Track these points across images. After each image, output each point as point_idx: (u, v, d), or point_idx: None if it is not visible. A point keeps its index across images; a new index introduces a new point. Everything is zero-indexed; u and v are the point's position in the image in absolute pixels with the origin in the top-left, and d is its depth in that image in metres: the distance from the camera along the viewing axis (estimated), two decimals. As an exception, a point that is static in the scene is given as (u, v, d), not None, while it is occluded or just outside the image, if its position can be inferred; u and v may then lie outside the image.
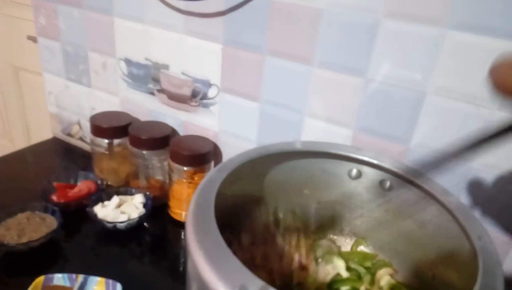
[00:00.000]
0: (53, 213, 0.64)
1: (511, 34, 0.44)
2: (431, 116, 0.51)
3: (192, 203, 0.33)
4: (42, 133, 0.98)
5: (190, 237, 0.30)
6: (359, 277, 0.46)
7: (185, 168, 0.66)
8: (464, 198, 0.52)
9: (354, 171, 0.46)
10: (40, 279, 0.54)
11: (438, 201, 0.38)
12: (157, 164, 0.71)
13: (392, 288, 0.44)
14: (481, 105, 0.48)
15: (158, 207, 0.71)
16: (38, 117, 1.18)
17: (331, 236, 0.51)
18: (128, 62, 0.76)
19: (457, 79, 0.48)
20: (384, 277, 0.45)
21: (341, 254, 0.49)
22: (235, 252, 0.42)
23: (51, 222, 0.63)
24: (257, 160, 0.42)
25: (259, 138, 0.67)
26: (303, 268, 0.46)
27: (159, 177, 0.73)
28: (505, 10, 0.43)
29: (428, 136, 0.52)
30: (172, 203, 0.71)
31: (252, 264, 0.43)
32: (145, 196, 0.70)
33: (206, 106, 0.70)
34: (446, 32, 0.47)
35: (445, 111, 0.50)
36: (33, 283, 0.53)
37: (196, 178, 0.67)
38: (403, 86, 0.52)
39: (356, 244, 0.50)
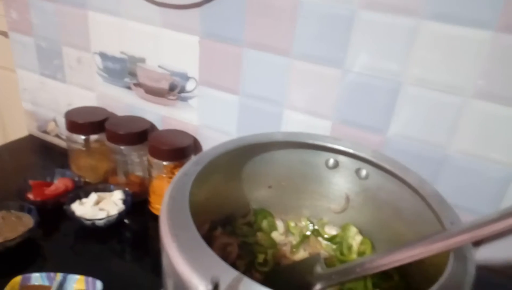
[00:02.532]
0: (29, 211, 0.63)
1: (485, 23, 0.44)
2: (407, 106, 0.52)
3: (166, 196, 0.33)
4: (18, 130, 0.96)
5: (164, 230, 0.29)
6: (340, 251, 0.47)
7: (164, 163, 0.65)
8: (439, 185, 0.52)
9: (331, 161, 0.47)
10: (17, 279, 0.53)
11: (413, 189, 0.38)
12: (136, 159, 0.70)
13: (361, 243, 0.46)
14: (455, 94, 0.49)
15: (138, 203, 0.70)
16: (13, 115, 1.15)
17: (308, 223, 0.52)
18: (103, 56, 0.74)
19: (432, 69, 0.49)
20: (356, 237, 0.46)
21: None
22: (211, 245, 0.43)
23: (27, 221, 0.62)
24: (234, 152, 0.42)
25: (239, 131, 0.67)
26: (281, 255, 0.47)
27: (138, 172, 0.72)
28: (479, 0, 0.44)
29: (405, 126, 0.53)
30: (153, 198, 0.70)
31: (230, 256, 0.43)
32: (124, 192, 0.69)
33: (184, 99, 0.70)
34: (421, 23, 0.48)
35: (420, 101, 0.51)
36: (10, 283, 0.52)
37: (176, 173, 0.66)
38: (380, 77, 0.52)
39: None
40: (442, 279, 0.28)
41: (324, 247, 0.49)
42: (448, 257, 0.30)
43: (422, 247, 0.29)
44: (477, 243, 0.53)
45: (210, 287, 0.24)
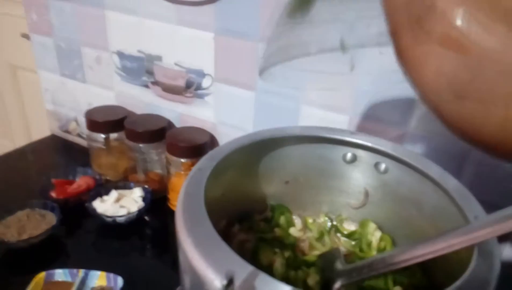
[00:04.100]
0: (52, 209, 0.64)
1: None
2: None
3: (181, 192, 0.33)
4: (42, 131, 0.98)
5: (180, 225, 0.29)
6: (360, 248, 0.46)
7: (182, 160, 0.66)
8: (462, 179, 0.51)
9: (349, 155, 0.46)
10: (41, 275, 0.54)
11: (435, 182, 0.37)
12: (154, 157, 0.71)
13: (381, 239, 0.45)
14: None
15: (157, 200, 0.71)
16: (37, 115, 1.18)
17: (327, 219, 0.51)
18: (121, 55, 0.75)
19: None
20: (375, 233, 0.45)
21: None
22: (230, 241, 0.42)
23: (50, 219, 0.63)
24: (249, 147, 0.42)
25: (255, 127, 0.67)
26: (299, 251, 0.46)
27: (157, 170, 0.73)
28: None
29: (425, 119, 0.51)
30: (171, 195, 0.70)
31: (245, 251, 0.43)
32: (144, 189, 0.70)
33: (201, 96, 0.70)
34: None
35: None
36: (34, 279, 0.53)
37: (193, 170, 0.66)
38: (399, 70, 0.51)
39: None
40: (465, 275, 0.26)
41: (343, 244, 0.48)
42: (472, 252, 0.29)
43: (444, 242, 0.28)
44: (505, 237, 0.51)
45: (225, 282, 0.24)
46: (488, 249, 0.29)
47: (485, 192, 0.50)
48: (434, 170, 0.38)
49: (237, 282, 0.24)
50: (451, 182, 0.36)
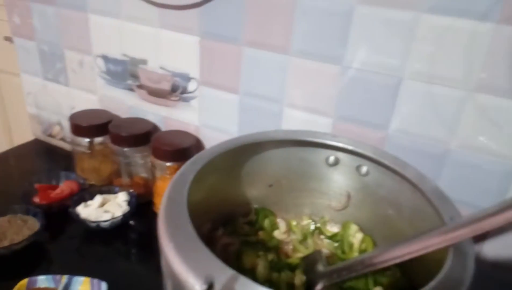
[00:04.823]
0: (35, 215, 0.64)
1: (486, 15, 0.44)
2: (408, 101, 0.51)
3: (164, 197, 0.33)
4: (25, 135, 0.97)
5: (162, 230, 0.30)
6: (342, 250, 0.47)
7: (167, 164, 0.66)
8: (442, 181, 0.52)
9: (332, 158, 0.46)
10: (24, 282, 0.53)
11: (412, 184, 0.38)
12: (139, 161, 0.71)
13: (362, 241, 0.46)
14: (456, 88, 0.48)
15: (143, 205, 0.71)
16: (19, 119, 1.16)
17: (310, 222, 0.52)
18: (105, 58, 0.75)
19: (433, 63, 0.48)
20: (356, 234, 0.46)
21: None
22: (214, 245, 0.43)
23: (33, 224, 0.62)
24: (233, 151, 0.42)
25: (240, 130, 0.67)
26: (282, 253, 0.47)
27: (142, 174, 0.72)
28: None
29: (406, 121, 0.53)
30: (157, 199, 0.70)
31: (229, 255, 0.43)
32: (129, 194, 0.70)
33: (186, 100, 0.70)
34: (420, 16, 0.47)
35: (421, 96, 0.50)
36: (17, 286, 0.52)
37: (178, 173, 0.66)
38: (380, 72, 0.52)
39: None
40: (440, 275, 0.27)
41: (325, 245, 0.48)
42: (447, 252, 0.30)
43: (421, 243, 0.28)
44: (482, 238, 0.53)
45: (205, 286, 0.24)
46: (463, 249, 0.30)
47: (465, 193, 0.51)
48: (412, 172, 0.39)
49: (217, 287, 0.24)
50: (428, 184, 0.37)
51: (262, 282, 0.25)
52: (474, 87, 0.47)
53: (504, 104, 0.46)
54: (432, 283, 0.27)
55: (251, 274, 0.40)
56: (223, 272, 0.26)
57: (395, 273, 0.41)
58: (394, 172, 0.40)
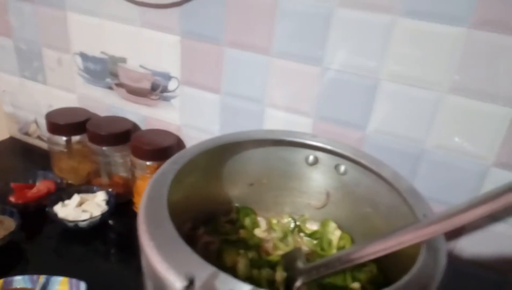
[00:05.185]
0: (11, 214, 0.62)
1: (459, 20, 0.45)
2: (385, 102, 0.53)
3: (144, 196, 0.33)
4: (0, 133, 0.95)
5: (142, 229, 0.30)
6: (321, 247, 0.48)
7: (148, 163, 0.65)
8: (418, 180, 0.54)
9: (311, 158, 0.47)
10: (-1, 283, 0.52)
11: (388, 183, 0.39)
12: (119, 160, 0.70)
13: (341, 238, 0.47)
14: (431, 89, 0.50)
15: (122, 204, 0.70)
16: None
17: (290, 220, 0.52)
18: (84, 56, 0.74)
19: (409, 65, 0.50)
20: (335, 232, 0.47)
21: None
22: (195, 244, 0.43)
23: (9, 224, 0.61)
24: (213, 151, 0.42)
25: (222, 130, 0.67)
26: (263, 251, 0.47)
27: (122, 173, 0.72)
28: (452, -3, 0.45)
29: (383, 122, 0.54)
30: (137, 199, 0.70)
31: (210, 253, 0.43)
32: (108, 193, 0.69)
33: (167, 99, 0.70)
34: (397, 19, 0.48)
35: (398, 97, 0.52)
36: (-9, 287, 0.51)
37: (159, 173, 0.66)
38: (358, 74, 0.53)
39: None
40: (413, 270, 0.28)
41: (305, 243, 0.49)
42: (420, 248, 0.31)
43: (395, 239, 0.29)
44: (457, 235, 0.55)
45: (186, 283, 0.24)
46: (435, 245, 0.31)
47: (440, 191, 0.53)
48: (388, 172, 0.40)
49: (198, 283, 0.25)
50: (403, 183, 0.38)
51: (243, 279, 0.26)
52: (448, 89, 0.49)
53: (477, 106, 0.48)
54: (406, 277, 0.28)
55: (232, 272, 0.40)
56: (203, 269, 0.26)
57: (372, 269, 0.42)
58: (371, 171, 0.42)
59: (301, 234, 0.51)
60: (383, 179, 0.40)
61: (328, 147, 0.45)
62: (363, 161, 0.42)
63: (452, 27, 0.46)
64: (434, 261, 0.30)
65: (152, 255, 0.27)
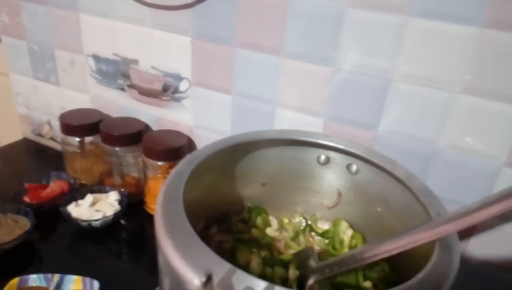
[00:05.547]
0: (26, 214, 0.64)
1: (471, 19, 0.45)
2: (397, 102, 0.53)
3: (160, 195, 0.34)
4: (13, 134, 0.96)
5: (159, 227, 0.30)
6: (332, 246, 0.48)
7: (159, 163, 0.66)
8: (430, 179, 0.54)
9: (323, 157, 0.47)
10: (15, 281, 0.53)
11: (401, 182, 0.39)
12: (131, 160, 0.71)
13: (352, 237, 0.47)
14: (443, 89, 0.50)
15: (134, 204, 0.71)
16: (8, 119, 1.15)
17: (302, 219, 0.53)
18: (96, 58, 0.75)
19: (421, 65, 0.50)
20: (347, 231, 0.47)
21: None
22: (208, 243, 0.43)
23: (24, 224, 0.62)
24: (227, 150, 0.43)
25: (233, 130, 0.68)
26: (275, 250, 0.48)
27: (134, 173, 0.73)
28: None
29: (395, 122, 0.54)
30: (148, 199, 0.70)
31: (223, 252, 0.44)
32: (120, 193, 0.70)
33: (178, 100, 0.70)
34: (409, 20, 0.49)
35: (410, 97, 0.52)
36: (7, 285, 0.52)
37: (170, 173, 0.67)
38: (370, 74, 0.53)
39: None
40: (427, 268, 0.28)
41: (317, 242, 0.49)
42: (434, 247, 0.31)
43: (408, 237, 0.30)
44: (468, 234, 0.55)
45: (204, 279, 0.25)
46: (449, 243, 0.31)
47: (452, 191, 0.53)
48: (401, 171, 0.40)
49: (216, 280, 0.25)
50: (416, 182, 0.38)
51: (257, 277, 0.26)
52: (460, 89, 0.49)
53: (489, 106, 0.48)
54: (419, 275, 0.28)
55: (245, 270, 0.40)
56: (220, 266, 0.27)
57: (384, 267, 0.42)
58: (384, 170, 0.42)
59: (313, 233, 0.51)
60: (396, 178, 0.40)
61: (340, 146, 0.45)
62: (375, 160, 0.42)
63: (464, 27, 0.46)
64: (448, 259, 0.30)
65: (170, 252, 0.28)
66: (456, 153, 0.52)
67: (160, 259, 0.31)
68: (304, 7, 0.54)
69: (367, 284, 0.40)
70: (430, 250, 0.31)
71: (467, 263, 0.55)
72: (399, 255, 0.32)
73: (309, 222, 0.52)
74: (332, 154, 0.47)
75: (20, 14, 0.79)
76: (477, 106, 0.49)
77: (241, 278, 0.26)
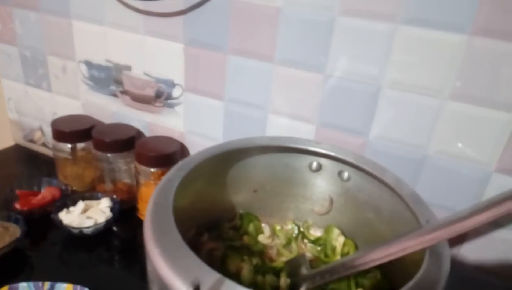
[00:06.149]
0: (16, 221, 0.63)
1: (460, 27, 0.46)
2: (387, 109, 0.53)
3: (150, 202, 0.34)
4: (4, 140, 0.95)
5: (148, 235, 0.30)
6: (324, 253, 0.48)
7: (152, 170, 0.66)
8: (420, 186, 0.54)
9: (315, 164, 0.48)
10: (4, 289, 0.53)
11: (391, 189, 0.40)
12: (123, 167, 0.71)
13: (344, 244, 0.47)
14: (433, 96, 0.50)
15: (126, 211, 0.70)
16: (-1, 125, 1.14)
17: (294, 226, 0.53)
18: (88, 64, 0.75)
19: (411, 72, 0.50)
20: (338, 238, 0.47)
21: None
22: (199, 251, 0.43)
23: (14, 231, 0.61)
24: (218, 157, 0.43)
25: (225, 136, 0.68)
26: (267, 258, 0.48)
27: (126, 180, 0.72)
28: (452, 5, 0.45)
29: (386, 128, 0.54)
30: (141, 205, 0.70)
31: (215, 260, 0.44)
32: (112, 200, 0.69)
33: (171, 106, 0.70)
34: (398, 27, 0.49)
35: (400, 103, 0.52)
36: (-4, 294, 0.52)
37: (163, 179, 0.67)
38: (360, 81, 0.53)
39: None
40: (417, 276, 0.29)
41: (309, 249, 0.49)
42: (424, 254, 0.31)
43: (399, 245, 0.30)
44: (460, 240, 0.55)
45: (191, 289, 0.24)
46: (439, 251, 0.31)
47: (442, 197, 0.53)
48: (391, 178, 0.40)
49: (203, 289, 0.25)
50: (405, 189, 0.39)
51: (247, 286, 0.26)
52: (449, 95, 0.49)
53: (478, 112, 0.48)
54: (410, 284, 0.28)
55: (236, 278, 0.40)
56: (209, 276, 0.26)
57: (375, 275, 0.42)
58: (374, 177, 0.42)
59: (305, 240, 0.51)
60: (386, 185, 0.40)
61: (332, 153, 0.45)
62: (366, 167, 0.43)
63: (453, 35, 0.46)
64: (437, 267, 0.30)
65: (158, 262, 0.28)
66: (446, 159, 0.52)
67: (149, 268, 0.31)
68: (295, 14, 0.54)
69: (359, 291, 0.40)
70: (421, 257, 0.31)
71: (459, 269, 0.56)
72: (390, 262, 0.32)
73: (301, 229, 0.52)
74: (323, 161, 0.47)
75: (13, 20, 0.78)
76: (467, 112, 0.49)
77: (230, 288, 0.26)
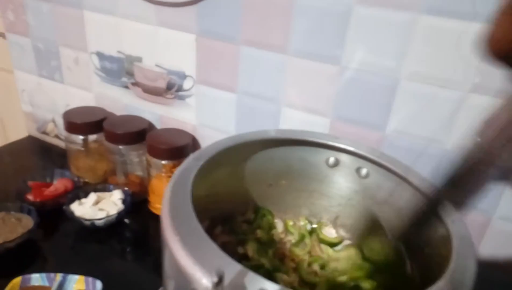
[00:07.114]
0: (29, 212, 0.63)
1: (479, 16, 0.44)
2: (405, 102, 0.52)
3: (167, 191, 0.33)
4: (18, 132, 0.96)
5: (166, 224, 0.29)
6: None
7: (163, 162, 0.65)
8: (439, 182, 0.53)
9: (332, 159, 0.46)
10: (17, 280, 0.53)
11: (413, 186, 0.38)
12: (135, 159, 0.70)
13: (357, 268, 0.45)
14: (452, 88, 0.49)
15: (138, 203, 0.70)
16: (13, 116, 1.15)
17: (307, 223, 0.52)
18: (100, 56, 0.74)
19: (429, 64, 0.49)
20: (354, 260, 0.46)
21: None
22: (214, 239, 0.42)
23: (27, 222, 0.62)
24: (234, 149, 0.42)
25: (237, 129, 0.67)
26: (281, 254, 0.47)
27: (138, 172, 0.72)
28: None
29: (403, 122, 0.53)
30: (152, 198, 0.70)
31: (232, 251, 0.43)
32: (124, 192, 0.69)
33: (182, 98, 0.70)
34: (417, 17, 0.48)
35: (418, 96, 0.51)
36: (9, 285, 0.52)
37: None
38: (377, 73, 0.52)
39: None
40: (445, 276, 0.27)
41: (323, 249, 0.48)
42: (450, 253, 0.30)
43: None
44: (478, 238, 0.54)
45: (215, 279, 0.24)
46: (465, 251, 0.30)
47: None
48: (413, 175, 0.39)
49: (227, 280, 0.24)
50: (429, 187, 0.37)
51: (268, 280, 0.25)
52: (469, 88, 0.48)
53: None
54: (440, 284, 0.27)
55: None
56: (231, 267, 0.26)
57: (397, 274, 0.41)
58: (395, 174, 0.40)
59: (321, 245, 0.50)
60: (409, 184, 0.39)
61: (351, 148, 0.44)
62: (387, 164, 0.41)
63: (473, 24, 0.45)
64: (464, 266, 0.29)
65: (178, 251, 0.27)
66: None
67: (166, 257, 0.30)
68: (310, 4, 0.53)
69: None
70: (445, 260, 0.30)
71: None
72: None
73: (314, 226, 0.51)
74: (342, 157, 0.46)
75: (25, 12, 0.78)
76: (487, 105, 0.47)
77: (253, 280, 0.25)
